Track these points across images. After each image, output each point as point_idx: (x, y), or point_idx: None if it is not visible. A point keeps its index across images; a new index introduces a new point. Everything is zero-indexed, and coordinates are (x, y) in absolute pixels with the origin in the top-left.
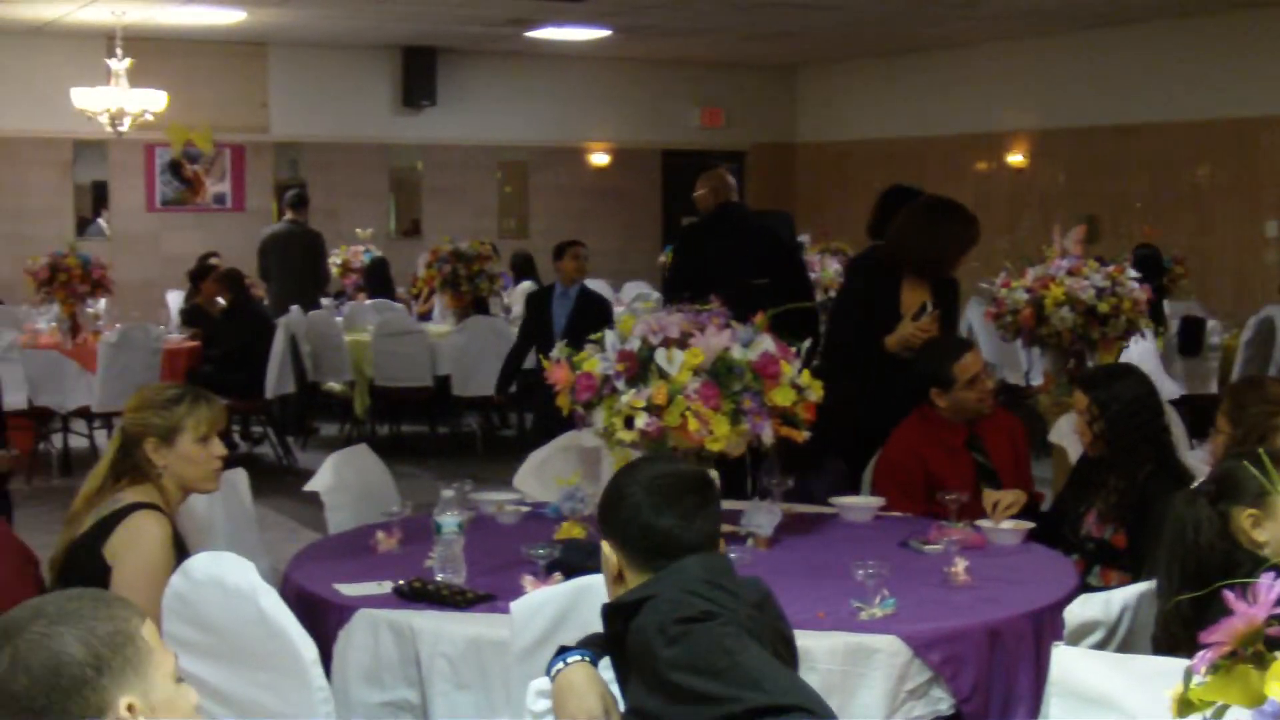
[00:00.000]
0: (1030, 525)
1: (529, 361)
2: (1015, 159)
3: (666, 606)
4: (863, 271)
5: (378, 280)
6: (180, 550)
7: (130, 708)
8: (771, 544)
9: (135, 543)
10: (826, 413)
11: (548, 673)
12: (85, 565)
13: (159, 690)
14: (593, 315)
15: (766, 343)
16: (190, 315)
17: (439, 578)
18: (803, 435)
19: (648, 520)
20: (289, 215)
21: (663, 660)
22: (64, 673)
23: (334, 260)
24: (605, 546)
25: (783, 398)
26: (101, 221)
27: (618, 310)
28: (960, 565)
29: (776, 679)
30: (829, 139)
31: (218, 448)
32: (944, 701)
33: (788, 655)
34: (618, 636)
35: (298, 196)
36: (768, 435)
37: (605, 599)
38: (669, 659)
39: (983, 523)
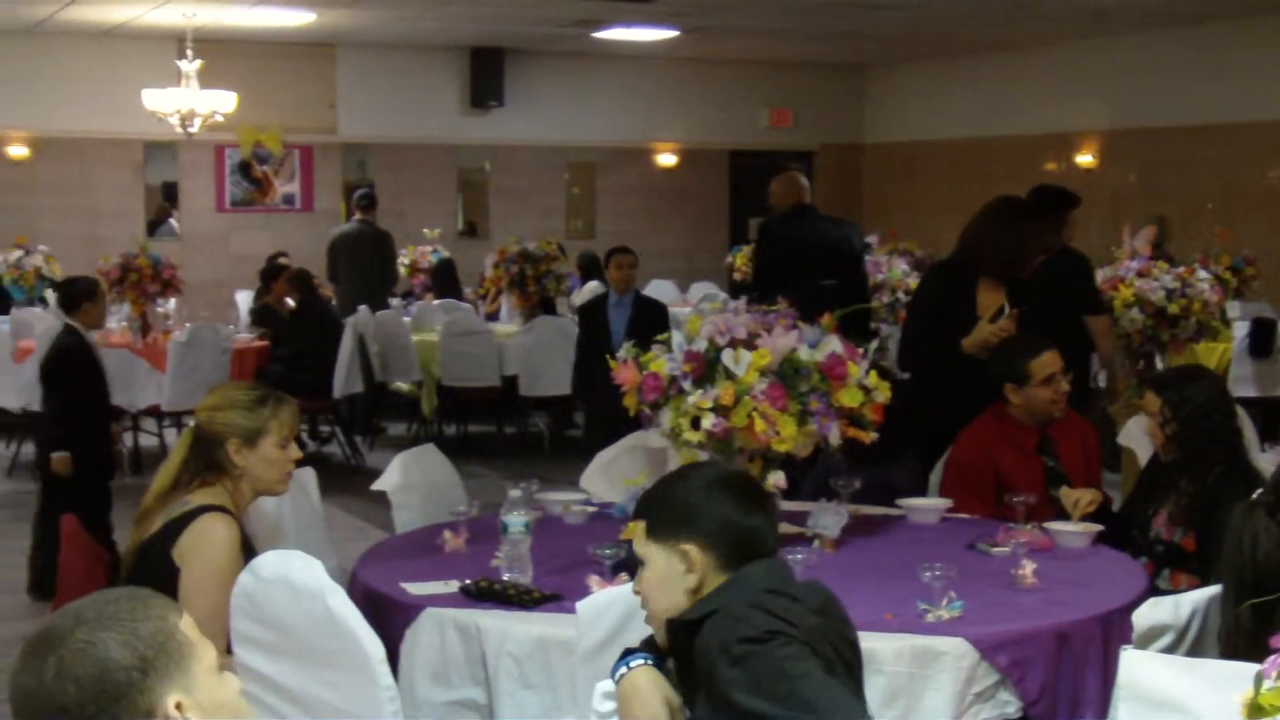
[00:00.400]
0: (1099, 528)
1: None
2: (1084, 159)
3: (730, 623)
4: (935, 273)
5: (445, 281)
6: (248, 551)
7: (178, 705)
8: (838, 545)
9: (203, 545)
10: (900, 412)
11: (612, 675)
12: (155, 566)
13: (203, 684)
14: (651, 321)
15: (834, 344)
16: (260, 315)
17: (505, 577)
18: (870, 436)
19: (739, 520)
20: (358, 215)
21: (725, 680)
22: (110, 678)
23: (401, 260)
24: (681, 553)
25: (850, 399)
26: (172, 222)
27: (684, 310)
28: (1028, 567)
29: (834, 704)
30: (896, 139)
31: (294, 451)
32: (1011, 705)
33: (852, 658)
34: (683, 649)
35: (367, 197)
36: (834, 436)
37: None
38: (731, 679)
39: (1051, 525)
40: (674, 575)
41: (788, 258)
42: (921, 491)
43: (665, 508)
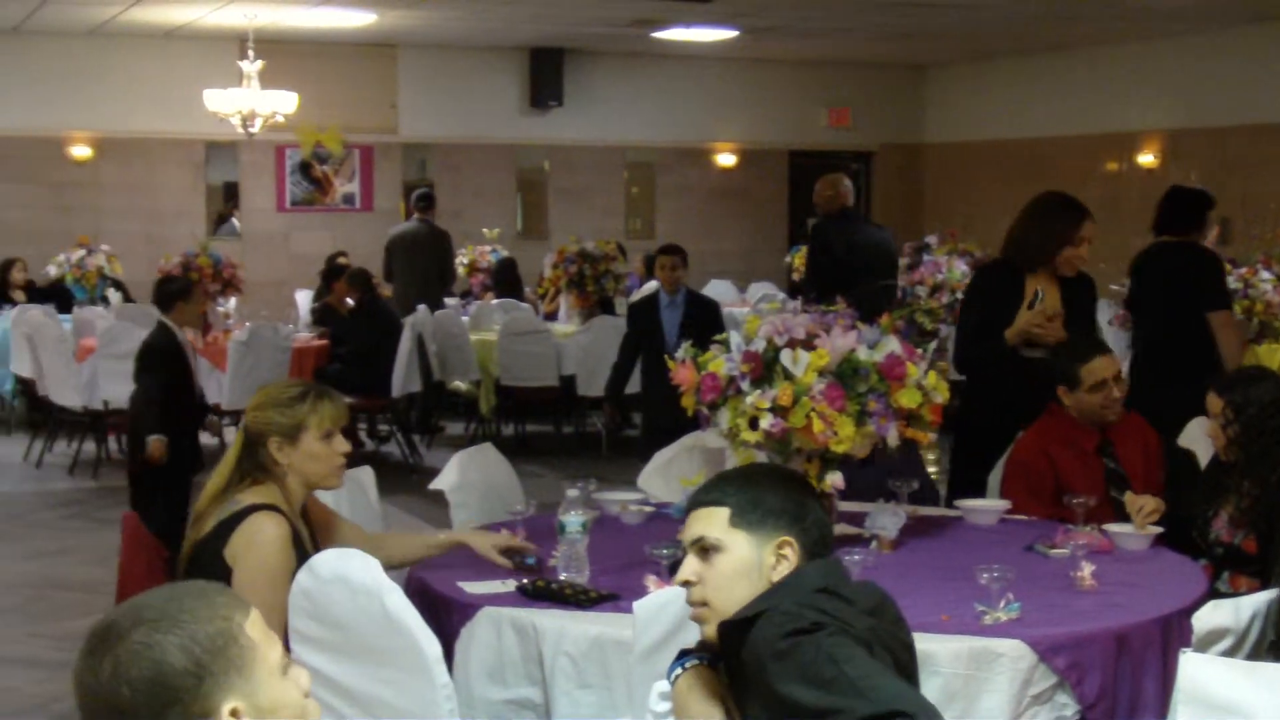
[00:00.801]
0: (1158, 530)
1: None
2: (1146, 159)
3: (779, 619)
4: (984, 269)
5: (506, 280)
6: (302, 548)
7: (234, 712)
8: (896, 546)
9: (253, 545)
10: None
11: (668, 676)
12: (208, 566)
13: (264, 688)
14: (704, 320)
15: (892, 344)
16: (321, 314)
17: (563, 577)
18: (928, 437)
19: (825, 521)
20: (416, 215)
21: (772, 674)
22: (165, 683)
23: (460, 260)
24: (776, 546)
25: (908, 399)
26: (234, 221)
27: (743, 311)
28: (1087, 570)
29: (882, 687)
30: (956, 139)
31: (341, 444)
32: (1069, 707)
33: (907, 660)
34: (734, 651)
35: (425, 197)
36: (893, 437)
37: None
38: (777, 673)
39: (1110, 527)
40: (760, 568)
41: (844, 260)
42: (928, 491)
43: (762, 500)
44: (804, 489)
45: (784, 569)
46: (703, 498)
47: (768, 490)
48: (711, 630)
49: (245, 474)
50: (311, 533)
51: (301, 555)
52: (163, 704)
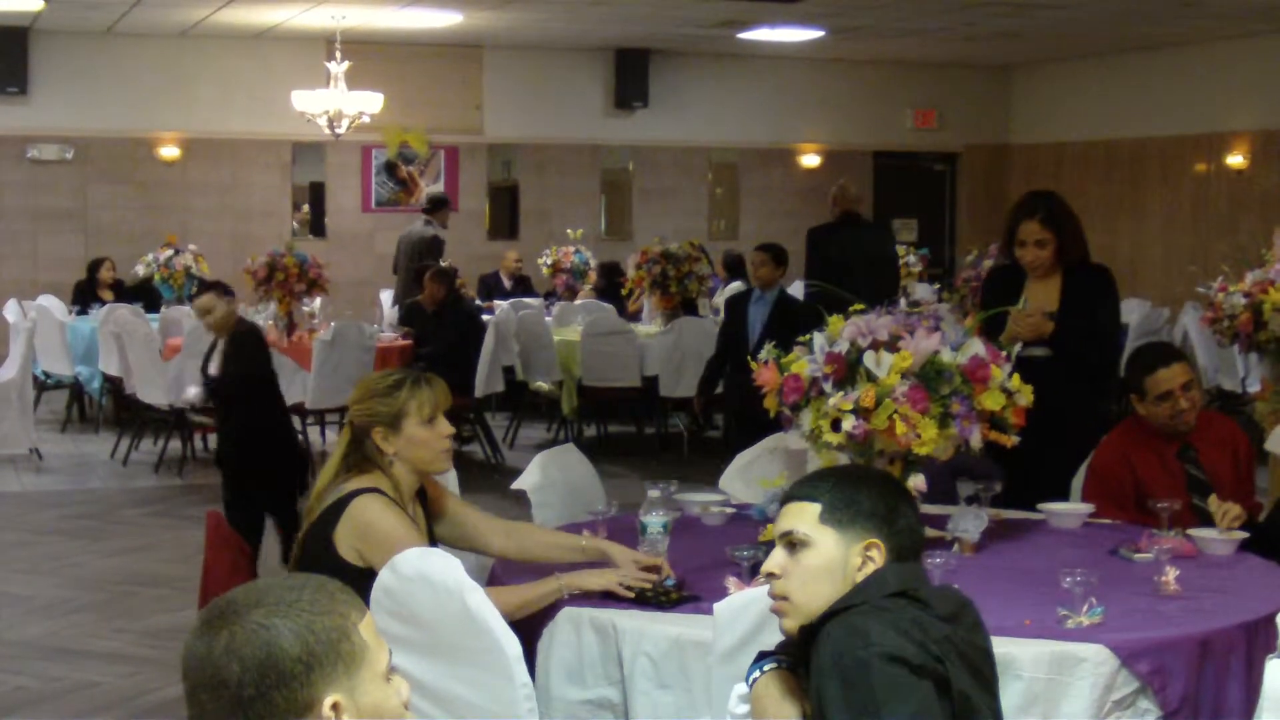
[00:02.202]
0: (1243, 534)
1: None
2: (1235, 160)
3: (847, 635)
4: (989, 272)
5: (608, 281)
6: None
7: (335, 706)
8: (978, 550)
9: (370, 528)
10: None
11: (746, 679)
12: (317, 554)
13: (367, 689)
14: (788, 319)
15: (976, 346)
16: (408, 314)
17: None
18: (1012, 440)
19: (918, 529)
20: (423, 217)
21: (826, 696)
22: (275, 666)
23: (544, 260)
24: (864, 548)
25: (992, 402)
26: (320, 221)
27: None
28: (1171, 574)
29: None
30: (1044, 140)
31: (445, 427)
32: (1151, 713)
33: (984, 666)
34: (809, 651)
35: (432, 199)
36: (976, 440)
37: None
38: (830, 696)
39: (1195, 531)
40: (844, 568)
41: (832, 263)
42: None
43: (854, 500)
44: (898, 493)
45: (868, 571)
46: (797, 492)
47: (862, 491)
48: (791, 625)
49: (351, 467)
50: (429, 520)
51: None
52: (269, 685)
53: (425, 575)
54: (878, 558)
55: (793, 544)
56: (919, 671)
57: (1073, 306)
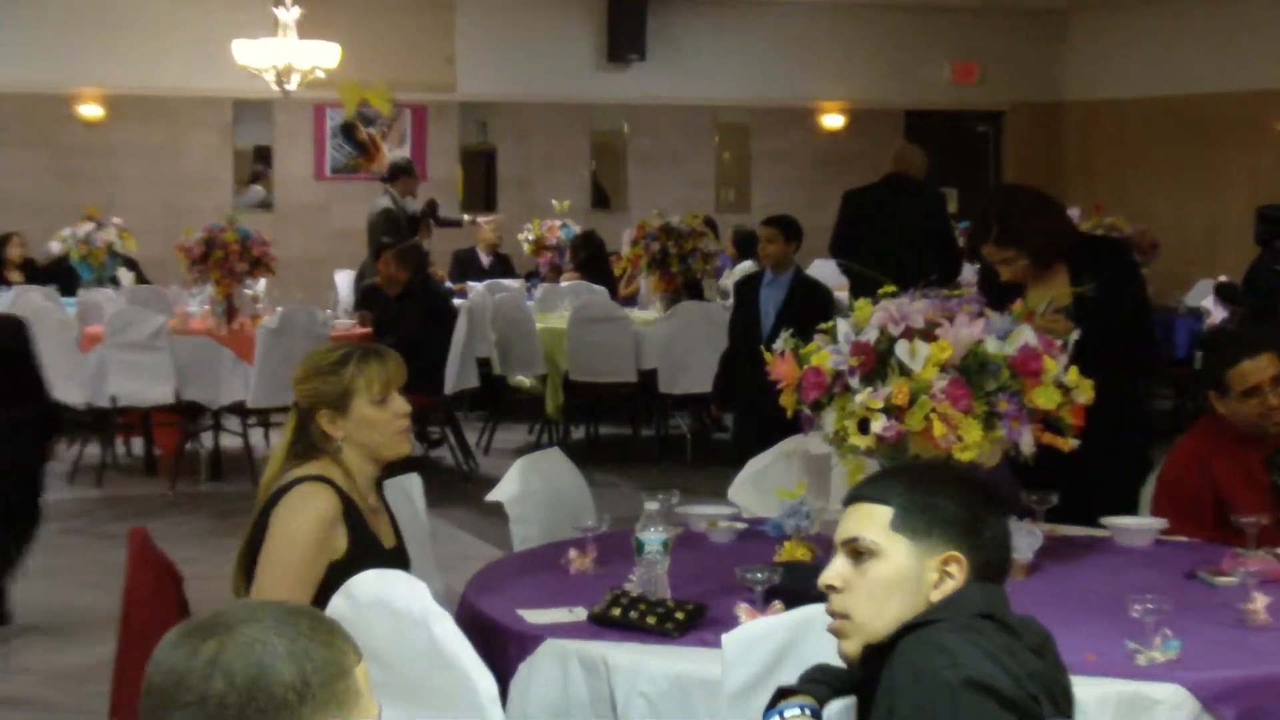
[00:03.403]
0: None
1: None
2: None
3: (930, 651)
4: (981, 279)
5: (591, 258)
6: (360, 531)
7: None
8: (1030, 571)
9: (288, 514)
10: None
11: None
12: (256, 548)
13: None
14: (805, 306)
15: (1027, 334)
16: (366, 297)
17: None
18: (1069, 444)
19: (1005, 541)
20: (385, 186)
21: (898, 715)
22: (265, 688)
23: (525, 236)
24: (942, 562)
25: (1045, 399)
26: (264, 191)
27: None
28: (1259, 601)
29: None
30: (1103, 96)
31: (399, 404)
32: None
33: (1067, 710)
34: (873, 675)
35: (396, 166)
36: (1026, 443)
37: None
38: (902, 716)
39: None
40: (918, 583)
41: (855, 221)
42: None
43: (933, 504)
44: (984, 499)
45: (947, 588)
46: (864, 492)
47: (942, 494)
48: (851, 647)
49: (298, 455)
50: (391, 514)
51: (364, 539)
52: (255, 709)
53: (385, 601)
54: (958, 574)
55: (858, 553)
56: (1009, 706)
57: (1089, 298)
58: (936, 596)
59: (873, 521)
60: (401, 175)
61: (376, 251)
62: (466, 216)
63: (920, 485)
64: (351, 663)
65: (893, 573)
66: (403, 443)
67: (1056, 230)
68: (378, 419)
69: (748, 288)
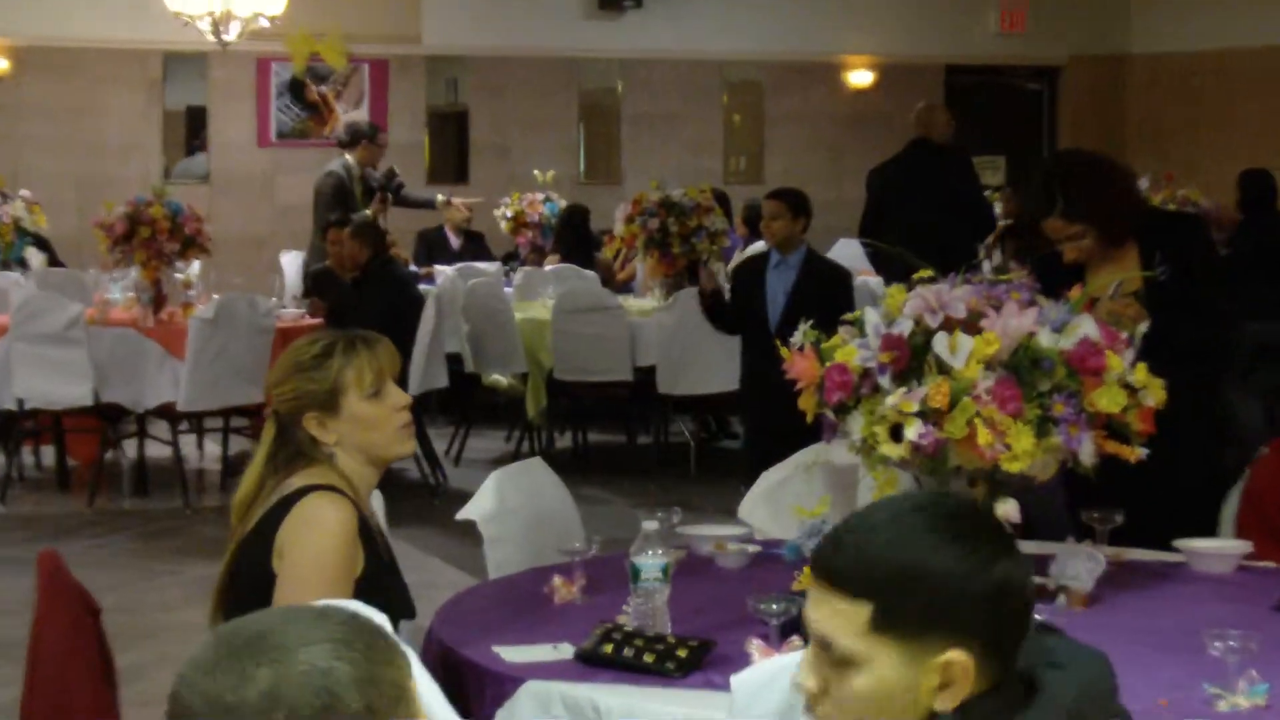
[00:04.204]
0: None
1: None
2: None
3: None
4: (1038, 262)
5: (573, 237)
6: (372, 547)
7: None
8: (1090, 602)
9: (306, 530)
10: None
11: None
12: (255, 569)
13: None
14: (819, 289)
15: (1086, 325)
16: (319, 282)
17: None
18: (1137, 453)
19: (1017, 588)
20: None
21: None
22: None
23: (502, 212)
24: (939, 667)
25: (1108, 401)
26: (199, 159)
27: (882, 280)
28: None
29: None
30: (1175, 49)
31: (397, 396)
32: None
33: None
34: None
35: (350, 129)
36: (1086, 453)
37: None
38: None
39: None
40: (913, 692)
41: (883, 201)
42: (1058, 527)
43: (918, 583)
44: (991, 548)
45: (953, 696)
46: (833, 571)
47: (931, 561)
48: None
49: (281, 467)
50: (378, 526)
51: (378, 556)
52: None
53: None
54: (964, 675)
55: (833, 659)
56: None
57: (1161, 282)
58: (941, 706)
59: (847, 623)
60: (363, 141)
61: (324, 229)
62: (440, 196)
63: (902, 555)
64: (409, 677)
65: (878, 686)
66: (405, 439)
67: (1129, 202)
68: (374, 415)
69: (749, 271)
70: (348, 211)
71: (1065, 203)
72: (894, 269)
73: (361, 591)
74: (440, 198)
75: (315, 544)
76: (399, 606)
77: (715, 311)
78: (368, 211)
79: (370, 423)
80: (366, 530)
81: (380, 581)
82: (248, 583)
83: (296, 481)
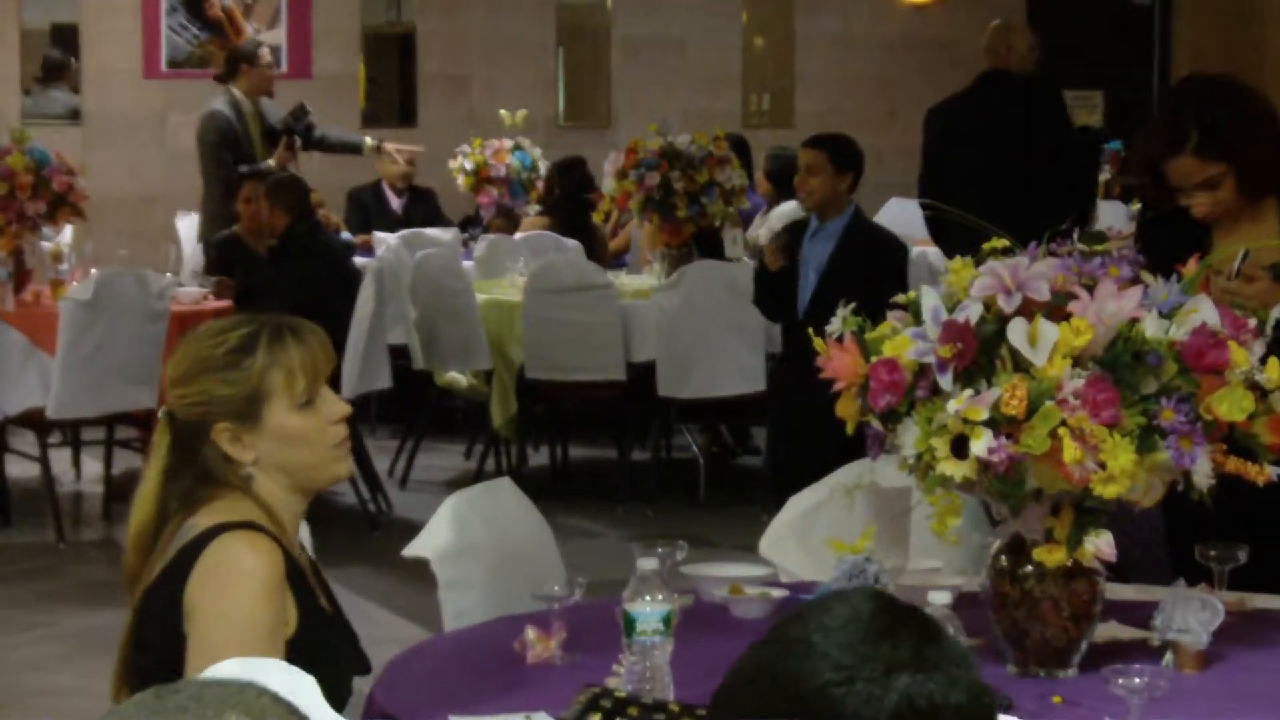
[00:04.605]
0: None
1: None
2: None
3: None
4: (1144, 226)
5: (572, 202)
6: (304, 591)
7: None
8: (1206, 663)
9: (220, 582)
10: None
11: None
12: (161, 625)
13: None
14: (861, 270)
15: (1204, 309)
16: (223, 253)
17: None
18: (1266, 473)
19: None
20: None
21: None
22: None
23: (460, 164)
24: None
25: (1230, 407)
26: (68, 93)
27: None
28: None
29: None
30: None
31: (332, 405)
32: None
33: None
34: None
35: (235, 51)
36: (1202, 472)
37: None
38: None
39: None
40: None
41: (946, 149)
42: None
43: None
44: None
45: None
46: None
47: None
48: None
49: (189, 492)
50: (317, 568)
51: (311, 606)
52: None
53: None
54: None
55: None
56: None
57: None
58: None
59: None
60: (242, 66)
61: (226, 186)
62: (369, 139)
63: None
64: None
65: None
66: (341, 460)
67: (1277, 146)
68: (305, 430)
69: (789, 239)
70: (238, 162)
71: (1201, 136)
72: (959, 238)
73: (297, 652)
74: (369, 141)
75: (229, 600)
76: (348, 662)
77: (777, 300)
78: (270, 162)
79: (299, 439)
80: (297, 575)
81: (320, 637)
82: (154, 650)
83: (204, 519)
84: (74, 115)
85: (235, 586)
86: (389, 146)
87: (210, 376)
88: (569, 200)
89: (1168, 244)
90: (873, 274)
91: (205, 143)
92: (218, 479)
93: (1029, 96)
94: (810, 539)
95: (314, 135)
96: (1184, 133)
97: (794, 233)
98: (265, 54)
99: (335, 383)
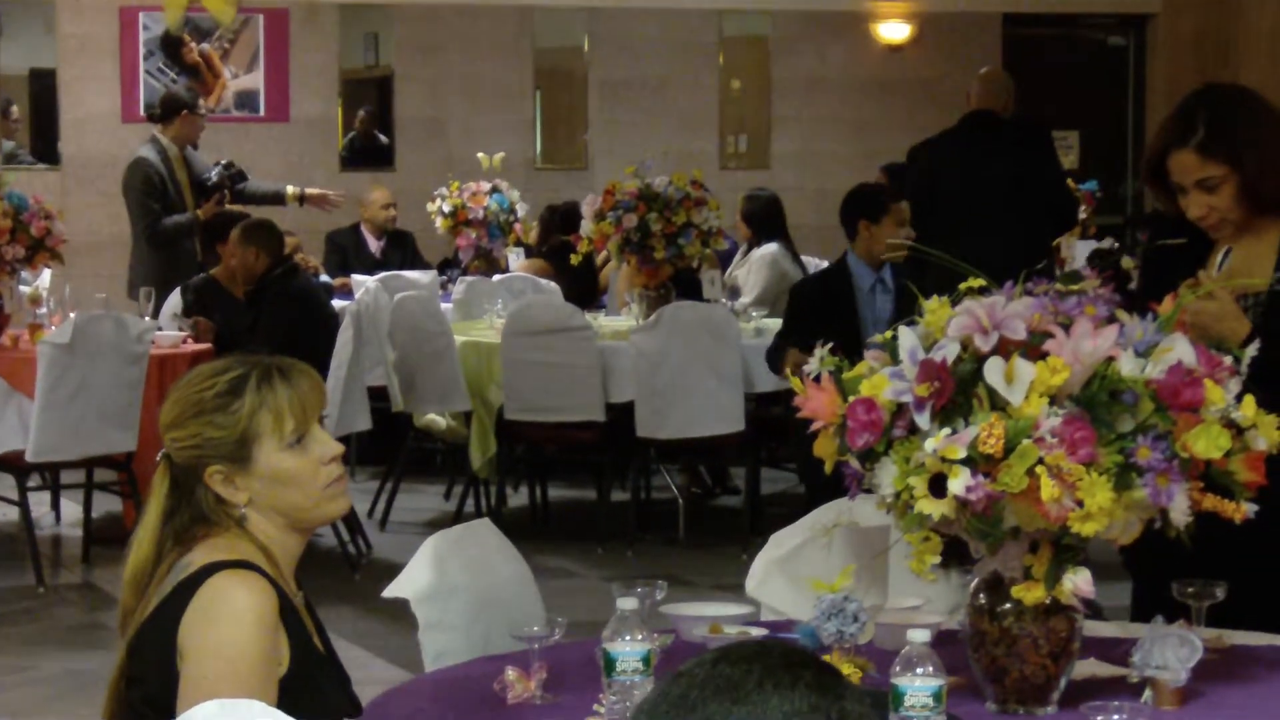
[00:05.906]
0: None
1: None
2: None
3: None
4: (1150, 249)
5: (564, 245)
6: (299, 631)
7: None
8: (1184, 699)
9: (213, 622)
10: None
11: None
12: (158, 680)
13: None
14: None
15: (1180, 348)
16: (201, 297)
17: None
18: (1243, 510)
19: None
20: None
21: None
22: None
23: (437, 206)
24: None
25: (1206, 445)
26: (51, 138)
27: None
28: None
29: None
30: None
31: (324, 444)
32: None
33: None
34: None
35: (167, 98)
36: (1179, 510)
37: None
38: None
39: None
40: None
41: (934, 184)
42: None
43: None
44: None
45: None
46: None
47: None
48: None
49: (182, 531)
50: (311, 608)
51: (305, 646)
52: None
53: None
54: None
55: None
56: None
57: None
58: None
59: None
60: (182, 111)
61: (152, 234)
62: (291, 187)
63: None
64: None
65: None
66: (336, 498)
67: None
68: (297, 470)
69: (825, 299)
70: (166, 211)
71: (1208, 134)
72: (940, 276)
73: (289, 692)
74: (291, 189)
75: (223, 638)
76: (337, 705)
77: None
78: (197, 212)
79: (291, 479)
80: (291, 614)
81: (312, 678)
82: (145, 686)
83: (199, 557)
84: (54, 158)
85: (229, 625)
86: (313, 191)
87: (201, 420)
88: (564, 244)
89: (1171, 272)
90: None
91: (131, 190)
92: (212, 519)
93: (1021, 138)
94: (791, 577)
95: (245, 189)
96: (1192, 127)
97: (826, 286)
98: (202, 107)
99: None
